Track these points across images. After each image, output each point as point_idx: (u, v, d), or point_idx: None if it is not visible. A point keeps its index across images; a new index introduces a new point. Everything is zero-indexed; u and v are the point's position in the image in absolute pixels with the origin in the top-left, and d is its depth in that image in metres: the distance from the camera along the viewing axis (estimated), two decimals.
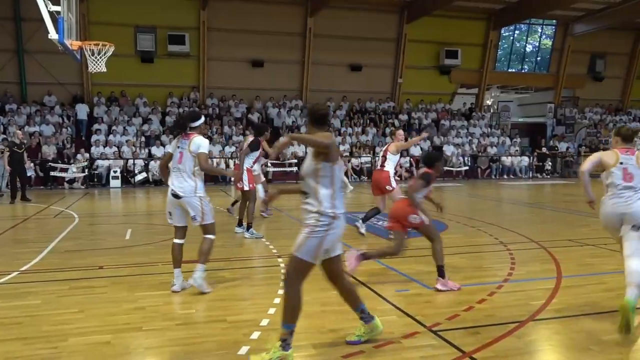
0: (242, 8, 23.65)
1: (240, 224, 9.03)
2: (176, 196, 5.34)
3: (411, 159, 23.16)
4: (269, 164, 21.36)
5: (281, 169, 21.41)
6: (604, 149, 28.07)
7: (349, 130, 24.29)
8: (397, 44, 26.36)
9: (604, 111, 30.56)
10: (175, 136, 5.52)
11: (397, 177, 8.93)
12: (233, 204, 11.01)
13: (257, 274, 6.29)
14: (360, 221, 8.76)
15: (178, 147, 5.41)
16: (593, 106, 30.55)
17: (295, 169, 21.03)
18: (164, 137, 20.94)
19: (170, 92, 23.84)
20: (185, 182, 5.33)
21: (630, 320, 4.03)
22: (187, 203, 5.33)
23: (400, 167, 22.88)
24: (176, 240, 5.51)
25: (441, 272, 5.45)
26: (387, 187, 8.49)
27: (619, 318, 4.09)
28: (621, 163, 4.77)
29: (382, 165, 8.63)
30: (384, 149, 8.93)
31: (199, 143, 5.36)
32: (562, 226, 9.78)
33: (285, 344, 3.61)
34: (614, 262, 6.70)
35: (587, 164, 4.88)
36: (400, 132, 9.04)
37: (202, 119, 5.60)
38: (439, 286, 5.40)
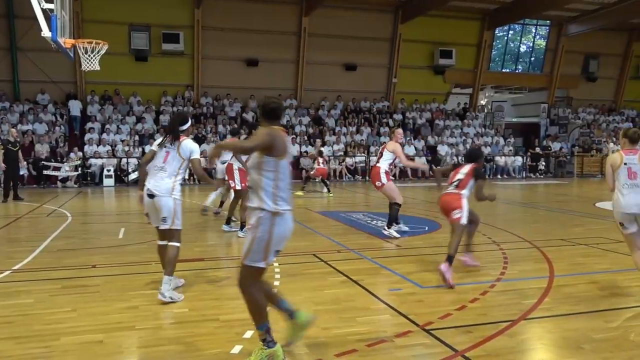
0: (236, 7, 23.62)
1: (228, 222, 9.04)
2: (151, 195, 5.17)
3: None
4: None
5: None
6: (597, 149, 28.19)
7: (344, 129, 24.31)
8: (391, 43, 26.39)
9: (597, 111, 30.71)
10: (172, 136, 5.32)
11: (392, 177, 8.93)
12: (220, 205, 11.00)
13: None
14: (388, 226, 8.59)
15: (164, 146, 5.30)
16: (586, 106, 30.69)
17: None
18: (157, 136, 20.88)
19: (164, 91, 23.78)
20: (162, 182, 5.17)
21: None
22: (161, 203, 5.15)
23: (395, 166, 22.92)
24: (160, 242, 5.38)
25: (450, 260, 5.59)
26: (377, 183, 8.53)
27: None
28: (625, 163, 5.28)
29: (377, 161, 8.73)
30: (382, 145, 9.00)
31: (192, 148, 5.28)
32: (554, 226, 9.82)
33: (267, 342, 3.58)
34: (606, 262, 6.75)
35: (610, 182, 5.38)
36: (399, 131, 8.98)
37: (190, 121, 5.50)
38: (442, 267, 5.53)
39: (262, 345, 3.59)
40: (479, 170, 6.13)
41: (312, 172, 16.19)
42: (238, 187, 8.60)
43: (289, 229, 3.62)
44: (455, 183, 6.09)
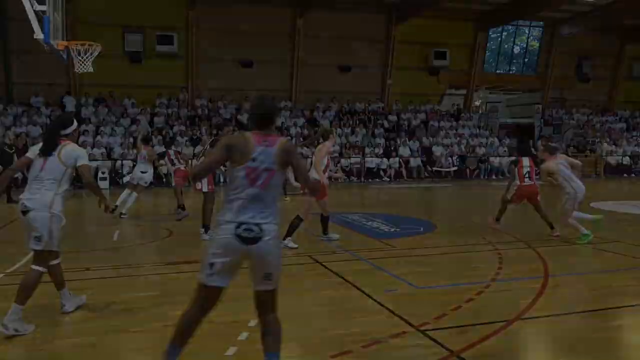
0: (230, 8, 23.60)
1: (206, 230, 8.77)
2: (25, 212, 4.32)
3: (400, 159, 23.25)
4: None
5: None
6: (591, 150, 28.28)
7: (339, 131, 24.31)
8: (386, 45, 26.41)
9: (590, 112, 30.82)
10: (46, 144, 4.49)
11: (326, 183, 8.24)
12: (179, 207, 10.84)
13: (244, 275, 6.26)
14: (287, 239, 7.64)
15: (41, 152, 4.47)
16: (580, 107, 30.82)
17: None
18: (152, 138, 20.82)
19: (159, 93, 23.71)
20: (38, 194, 4.33)
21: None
22: (34, 219, 4.29)
23: (390, 167, 22.97)
24: (51, 262, 4.57)
25: (551, 226, 8.19)
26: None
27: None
28: (561, 163, 7.99)
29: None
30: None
31: (78, 153, 4.49)
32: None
33: None
34: (600, 262, 6.78)
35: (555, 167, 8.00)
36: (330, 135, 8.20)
37: (75, 124, 4.68)
38: (556, 234, 8.17)
39: None
40: (537, 160, 8.31)
41: None
42: (205, 190, 8.25)
43: (221, 244, 3.16)
44: (526, 176, 8.32)
